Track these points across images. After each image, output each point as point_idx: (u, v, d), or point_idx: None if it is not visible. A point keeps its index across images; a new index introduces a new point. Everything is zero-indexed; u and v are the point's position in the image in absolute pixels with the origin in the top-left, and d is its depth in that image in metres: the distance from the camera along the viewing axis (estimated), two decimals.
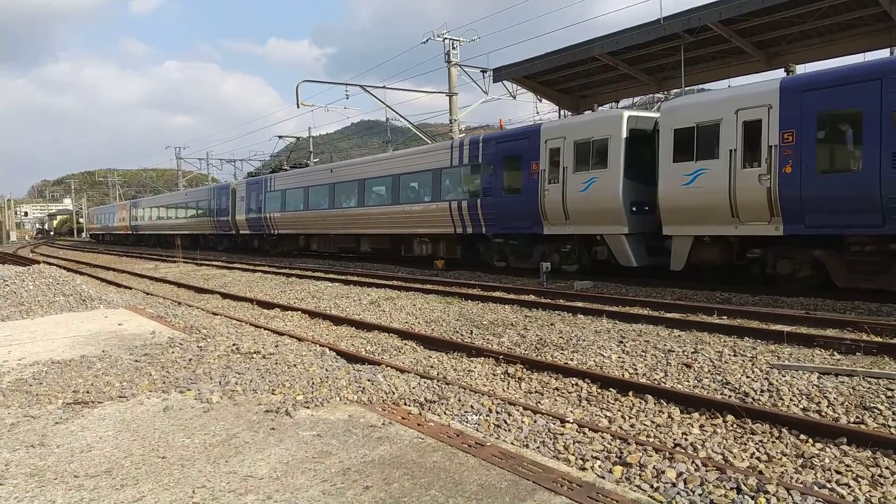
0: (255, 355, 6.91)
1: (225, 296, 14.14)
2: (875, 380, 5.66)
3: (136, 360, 6.57)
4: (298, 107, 24.90)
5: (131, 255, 34.61)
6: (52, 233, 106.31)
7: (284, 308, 11.66)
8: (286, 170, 29.72)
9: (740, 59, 18.07)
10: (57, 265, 19.15)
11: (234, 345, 7.47)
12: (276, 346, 7.50)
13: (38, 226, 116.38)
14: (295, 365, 6.38)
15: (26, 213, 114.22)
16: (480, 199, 16.49)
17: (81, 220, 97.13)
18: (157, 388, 5.45)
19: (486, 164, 16.47)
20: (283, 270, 19.68)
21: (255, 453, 3.87)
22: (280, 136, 41.45)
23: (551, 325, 9.02)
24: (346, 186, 22.73)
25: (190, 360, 6.59)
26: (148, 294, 14.94)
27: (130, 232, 50.18)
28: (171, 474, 3.58)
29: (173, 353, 6.97)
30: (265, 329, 9.19)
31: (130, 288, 16.31)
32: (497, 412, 5.21)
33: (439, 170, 18.12)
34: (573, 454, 4.33)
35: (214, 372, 6.00)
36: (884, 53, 15.17)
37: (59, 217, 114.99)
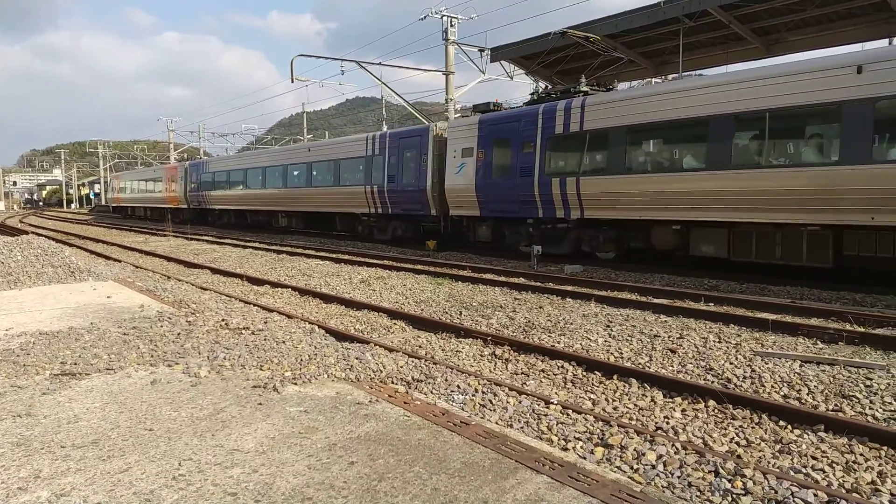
0: (244, 331, 6.93)
1: (215, 271, 14.11)
2: (855, 369, 5.76)
3: (125, 334, 6.58)
4: (293, 81, 24.64)
5: (121, 227, 34.37)
6: (41, 203, 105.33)
7: (274, 285, 11.67)
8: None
9: (739, 45, 17.99)
10: (46, 236, 19.03)
11: (223, 320, 7.48)
12: (266, 323, 7.52)
13: (26, 196, 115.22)
14: (284, 341, 6.41)
15: (15, 183, 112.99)
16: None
17: (71, 191, 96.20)
18: (145, 362, 5.47)
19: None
20: (273, 247, 19.63)
21: (242, 427, 3.91)
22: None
23: (540, 307, 9.08)
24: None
25: (178, 334, 6.60)
26: (137, 267, 14.88)
27: (186, 206, 36.39)
28: (158, 446, 3.61)
29: (162, 326, 6.97)
30: (255, 305, 9.20)
31: (120, 261, 16.24)
32: (483, 392, 5.27)
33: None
34: (556, 435, 4.40)
35: (203, 347, 6.02)
36: (882, 43, 15.16)
37: (48, 188, 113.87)
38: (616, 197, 13.08)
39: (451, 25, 25.88)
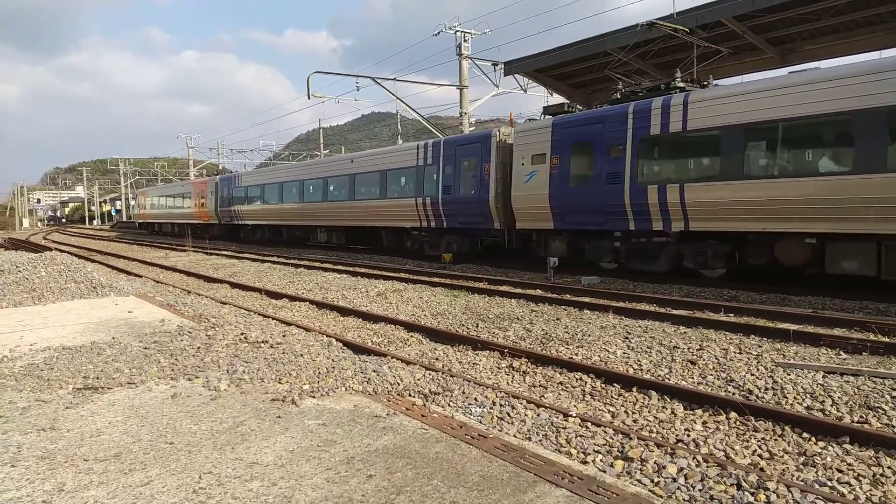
0: (262, 344, 6.98)
1: (234, 285, 14.25)
2: (880, 380, 5.65)
3: (146, 348, 6.66)
4: (309, 98, 25.00)
5: (141, 243, 34.87)
6: (63, 220, 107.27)
7: (292, 298, 11.75)
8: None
9: (753, 55, 17.92)
10: (68, 252, 19.36)
11: (242, 334, 7.54)
12: (284, 336, 7.57)
13: (49, 213, 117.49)
14: (302, 355, 6.44)
15: (38, 200, 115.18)
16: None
17: (93, 207, 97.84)
18: (166, 376, 5.53)
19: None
20: (291, 261, 19.78)
21: (261, 441, 3.93)
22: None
23: (557, 319, 9.04)
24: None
25: (198, 348, 6.67)
26: (158, 282, 15.07)
27: (217, 221, 34.55)
28: (179, 460, 3.64)
29: (182, 341, 7.05)
30: (273, 319, 9.27)
31: (140, 276, 16.47)
32: (501, 405, 5.25)
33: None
34: (575, 448, 4.37)
35: (222, 360, 6.07)
36: None
37: (70, 205, 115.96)
38: (730, 206, 11.31)
39: (465, 41, 26.11)
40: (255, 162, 55.67)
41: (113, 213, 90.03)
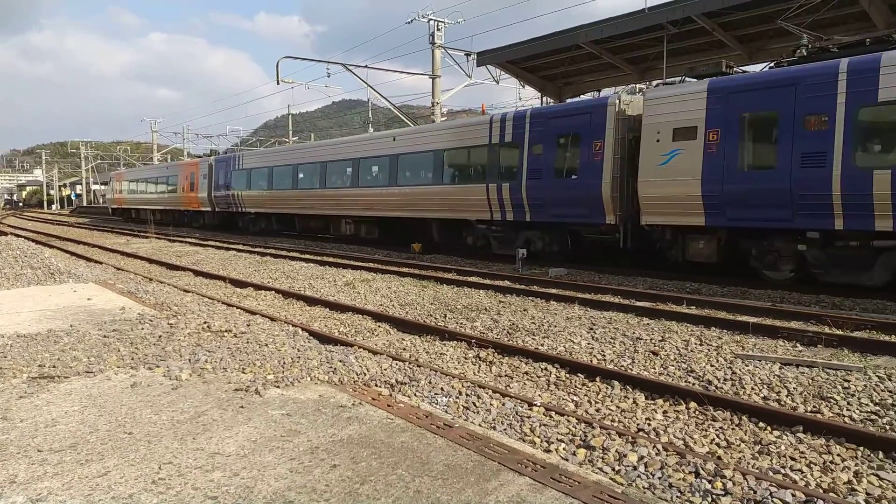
0: (226, 334, 6.88)
1: (197, 273, 13.99)
2: (833, 371, 5.84)
3: (105, 336, 6.50)
4: (279, 83, 24.58)
5: (102, 229, 33.97)
6: (20, 204, 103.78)
7: (258, 287, 11.59)
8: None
9: (722, 52, 18.25)
10: (25, 237, 18.75)
11: (205, 323, 7.42)
12: (248, 325, 7.47)
13: (6, 196, 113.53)
14: (266, 344, 6.37)
15: None
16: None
17: (52, 191, 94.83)
18: (126, 364, 5.41)
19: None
20: (257, 249, 19.51)
21: (224, 431, 3.87)
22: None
23: (524, 310, 9.11)
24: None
25: (160, 336, 6.54)
26: (119, 269, 14.71)
27: (210, 208, 30.54)
28: (138, 450, 3.57)
29: (143, 329, 6.90)
30: (237, 308, 9.14)
31: (101, 263, 16.04)
32: (467, 395, 5.27)
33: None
34: (539, 437, 4.42)
35: (184, 349, 5.97)
36: None
37: (28, 188, 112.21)
38: None
39: (438, 29, 26.00)
40: (222, 148, 54.61)
41: (73, 198, 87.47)
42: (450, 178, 17.05)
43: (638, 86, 18.37)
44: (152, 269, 15.38)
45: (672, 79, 13.60)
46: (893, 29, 10.84)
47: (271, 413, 4.22)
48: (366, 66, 26.90)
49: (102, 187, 75.46)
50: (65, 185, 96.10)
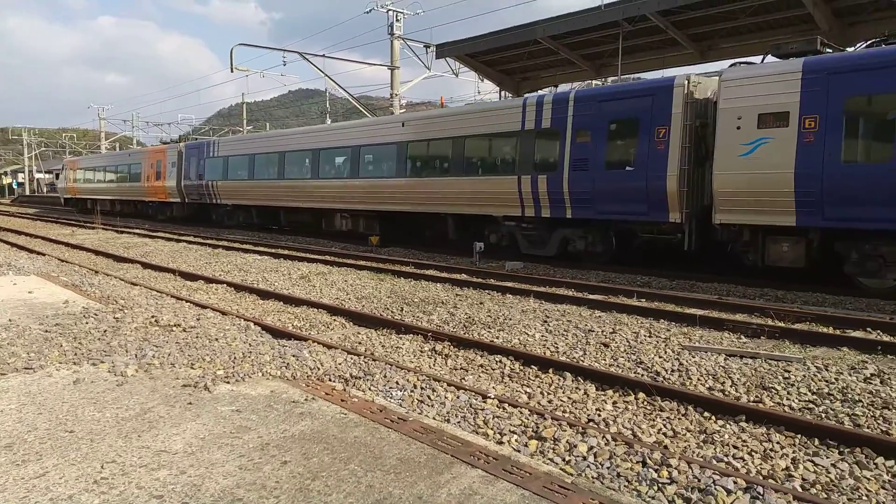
0: (174, 328, 6.70)
1: (146, 266, 13.58)
2: (775, 362, 6.08)
3: (47, 331, 6.25)
4: (232, 71, 24.02)
5: (45, 219, 32.61)
6: None
7: (209, 280, 11.32)
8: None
9: (675, 50, 18.67)
10: None
11: (152, 317, 7.21)
12: (198, 320, 7.30)
13: None
14: (217, 339, 6.23)
15: None
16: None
17: None
18: (68, 360, 5.22)
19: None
20: (209, 241, 19.05)
21: (171, 428, 3.78)
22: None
23: (481, 303, 9.17)
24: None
25: (105, 331, 6.33)
26: (63, 261, 14.15)
27: (180, 199, 27.89)
28: (79, 449, 3.45)
29: (87, 323, 6.66)
30: (187, 301, 8.91)
31: (44, 254, 15.40)
32: (422, 388, 5.28)
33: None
34: (492, 428, 4.46)
35: (131, 344, 5.79)
36: None
37: None
38: None
39: (397, 20, 25.81)
40: (173, 136, 53.02)
41: (14, 186, 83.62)
42: (473, 168, 15.04)
43: (594, 83, 18.45)
44: (98, 261, 14.84)
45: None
46: None
47: (220, 409, 4.13)
48: (323, 56, 26.53)
49: (47, 176, 72.24)
50: (6, 174, 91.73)
